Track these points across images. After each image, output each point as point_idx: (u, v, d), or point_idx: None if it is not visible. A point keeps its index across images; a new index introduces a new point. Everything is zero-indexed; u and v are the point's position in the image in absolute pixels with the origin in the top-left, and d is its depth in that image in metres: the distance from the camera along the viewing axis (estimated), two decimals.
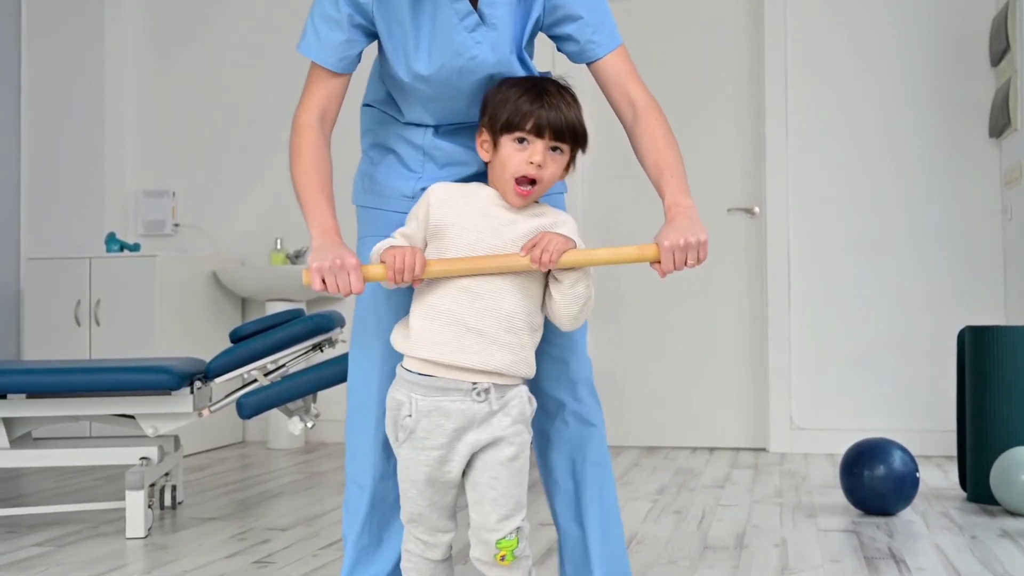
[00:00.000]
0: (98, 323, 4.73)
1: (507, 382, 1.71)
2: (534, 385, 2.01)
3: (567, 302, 1.73)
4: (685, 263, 1.73)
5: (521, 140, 1.71)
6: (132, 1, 5.46)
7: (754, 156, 4.87)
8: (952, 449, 4.45)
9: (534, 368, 1.76)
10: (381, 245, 1.73)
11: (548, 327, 1.92)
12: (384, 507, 1.99)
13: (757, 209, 4.85)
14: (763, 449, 4.78)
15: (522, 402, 1.74)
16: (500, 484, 1.71)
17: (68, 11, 5.32)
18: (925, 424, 4.56)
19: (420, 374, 1.70)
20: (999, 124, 4.31)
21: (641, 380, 4.96)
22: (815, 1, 4.77)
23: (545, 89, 1.73)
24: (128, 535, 3.01)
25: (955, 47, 4.61)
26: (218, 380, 3.27)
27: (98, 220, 5.26)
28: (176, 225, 5.39)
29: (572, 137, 1.73)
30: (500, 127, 1.72)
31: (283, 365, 3.37)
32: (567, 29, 1.89)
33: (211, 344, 4.90)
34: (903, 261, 4.63)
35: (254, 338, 3.31)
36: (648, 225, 4.77)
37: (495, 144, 1.74)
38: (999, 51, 4.29)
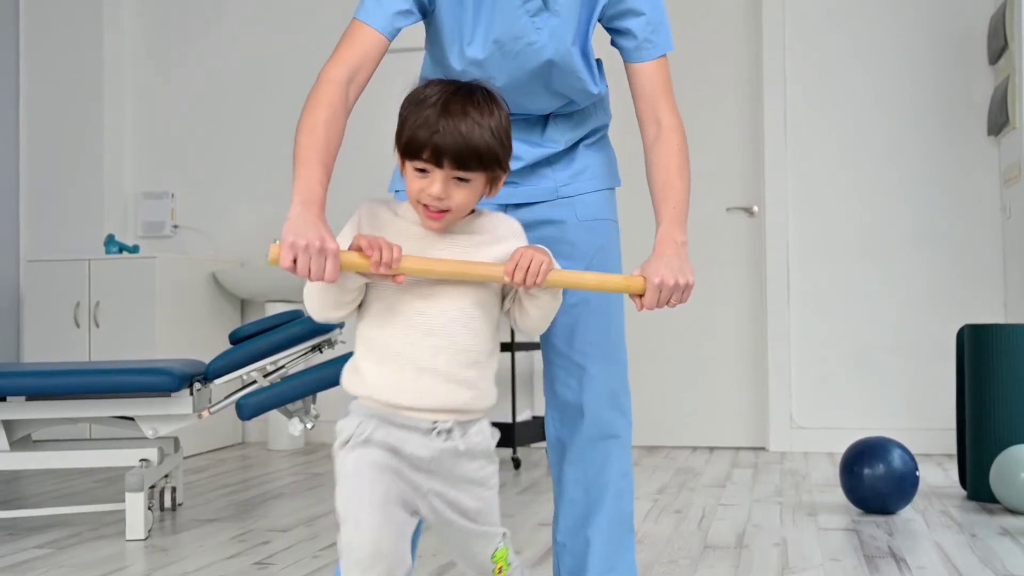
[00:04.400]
0: (97, 325, 4.73)
1: (469, 417, 1.56)
2: (554, 392, 1.95)
3: (542, 314, 1.61)
4: (668, 302, 1.67)
5: (421, 169, 1.50)
6: (130, 3, 5.46)
7: (753, 155, 4.87)
8: (952, 447, 4.45)
9: (495, 396, 1.60)
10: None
11: (568, 329, 1.88)
12: None
13: (756, 208, 4.85)
14: (763, 448, 4.79)
15: (485, 439, 1.59)
16: (479, 534, 1.60)
17: (66, 14, 5.32)
18: (925, 422, 4.56)
19: (377, 405, 1.54)
20: (998, 122, 4.31)
21: (641, 380, 4.96)
22: (813, 0, 4.77)
23: (447, 108, 1.49)
24: (128, 537, 3.01)
25: (953, 45, 4.61)
26: (218, 381, 3.28)
27: (97, 222, 5.26)
28: (175, 226, 5.39)
29: (478, 163, 1.49)
30: (401, 151, 1.52)
31: (283, 366, 3.37)
32: (628, 23, 1.83)
33: (211, 345, 4.90)
34: (902, 259, 4.64)
35: (254, 339, 3.32)
36: (643, 230, 4.77)
37: (403, 165, 1.55)
38: (997, 49, 4.29)
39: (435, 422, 1.53)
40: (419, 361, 1.52)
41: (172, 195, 5.39)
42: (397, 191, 1.94)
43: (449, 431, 1.53)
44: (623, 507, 1.97)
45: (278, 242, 1.51)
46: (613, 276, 1.68)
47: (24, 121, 5.36)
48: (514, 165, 1.86)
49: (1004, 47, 4.19)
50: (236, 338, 3.41)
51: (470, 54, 1.77)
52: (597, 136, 2.00)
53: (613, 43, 1.89)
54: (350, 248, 1.49)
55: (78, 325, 4.76)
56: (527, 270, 1.51)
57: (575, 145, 1.96)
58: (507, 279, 1.52)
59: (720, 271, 4.88)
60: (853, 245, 4.69)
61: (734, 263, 4.88)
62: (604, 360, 1.93)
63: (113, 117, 5.35)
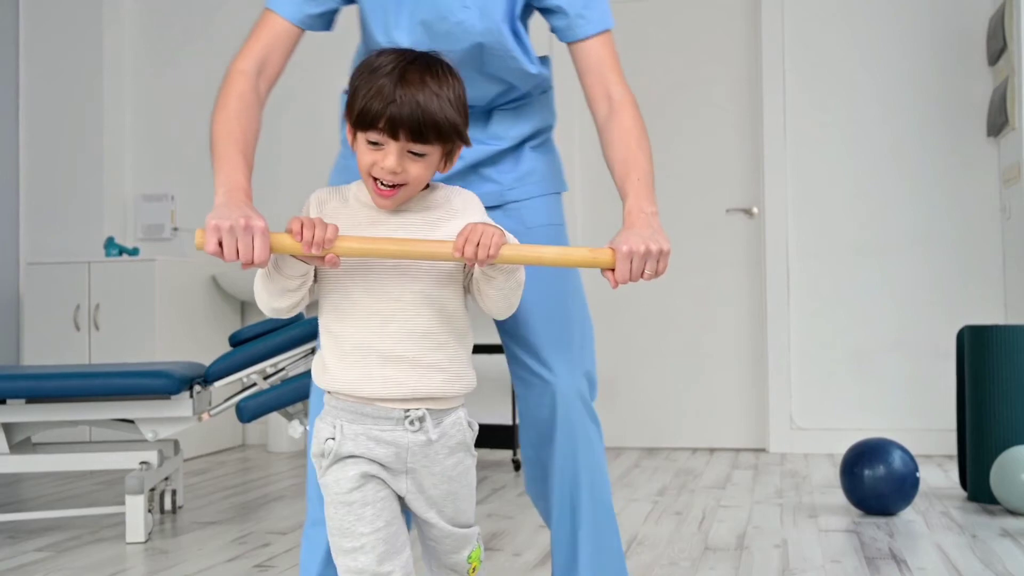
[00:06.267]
0: (97, 328, 4.73)
1: (443, 406, 1.50)
2: (525, 404, 1.86)
3: (504, 295, 1.51)
4: (642, 274, 1.52)
5: (374, 142, 1.42)
6: (130, 5, 5.46)
7: (752, 156, 4.87)
8: (952, 448, 4.45)
9: (473, 381, 1.53)
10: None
11: (529, 340, 1.78)
12: None
13: (756, 209, 4.85)
14: (763, 449, 4.78)
15: (461, 430, 1.52)
16: (459, 537, 1.56)
17: (66, 15, 5.32)
18: (925, 423, 4.56)
19: (349, 399, 1.48)
20: (997, 123, 4.31)
21: (641, 381, 4.96)
22: (812, 0, 4.77)
23: (403, 76, 1.41)
24: (128, 540, 3.01)
25: (953, 46, 4.61)
26: (218, 384, 3.28)
27: (97, 224, 5.26)
28: (175, 229, 5.38)
29: (436, 136, 1.42)
30: (353, 123, 1.44)
31: (282, 368, 3.37)
32: (556, 0, 1.74)
33: (211, 348, 4.90)
34: (902, 260, 4.64)
35: (253, 342, 3.32)
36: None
37: (355, 137, 1.46)
38: (996, 50, 4.29)
39: (407, 411, 1.46)
40: (382, 350, 1.45)
41: (172, 197, 5.39)
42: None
43: (421, 419, 1.47)
44: (609, 516, 1.88)
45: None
46: (577, 249, 1.51)
47: (24, 124, 5.36)
48: (457, 166, 1.78)
49: (1003, 48, 4.19)
50: (236, 340, 3.41)
51: (397, 39, 1.69)
52: (542, 138, 1.90)
53: (551, 27, 1.80)
54: (288, 229, 1.40)
55: (78, 328, 4.76)
56: (477, 245, 1.40)
57: (520, 146, 1.86)
58: (456, 255, 1.41)
59: (720, 272, 4.88)
60: (852, 245, 4.69)
61: (734, 264, 4.88)
62: (570, 365, 1.83)
63: (113, 119, 5.35)
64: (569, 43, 1.77)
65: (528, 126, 1.86)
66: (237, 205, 1.43)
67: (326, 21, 1.75)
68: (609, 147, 1.71)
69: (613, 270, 1.52)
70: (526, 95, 1.85)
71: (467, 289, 1.54)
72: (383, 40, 1.71)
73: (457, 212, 1.52)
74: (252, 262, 1.39)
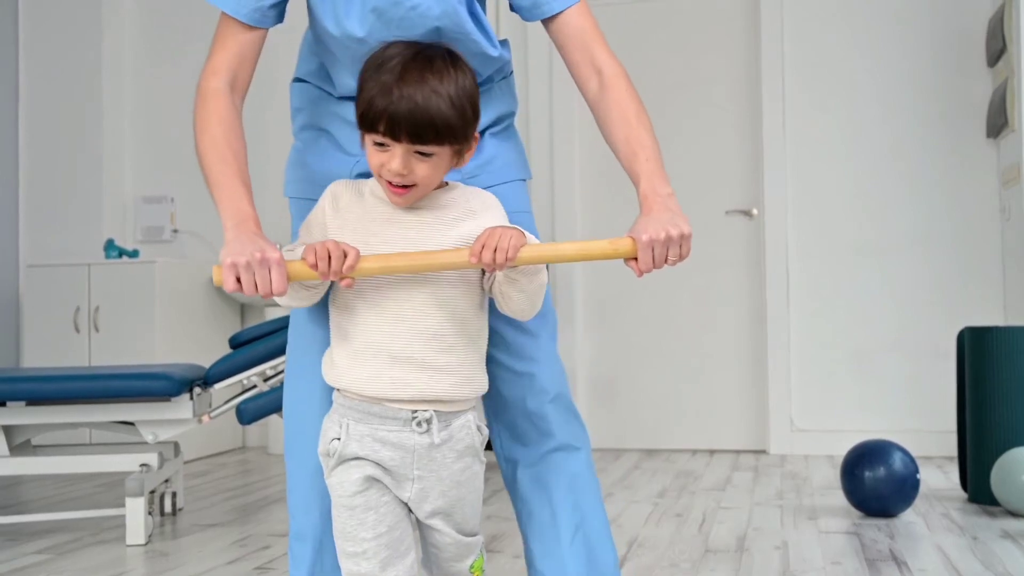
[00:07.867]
0: (97, 330, 4.73)
1: (451, 408, 1.48)
2: (499, 406, 1.77)
3: (527, 296, 1.49)
4: (666, 260, 1.48)
5: (379, 143, 1.42)
6: (130, 6, 5.46)
7: (752, 157, 4.87)
8: (952, 450, 4.45)
9: (484, 384, 1.52)
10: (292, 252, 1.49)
11: (505, 339, 1.70)
12: (333, 549, 1.63)
13: (755, 210, 4.85)
14: (763, 451, 4.78)
15: (470, 434, 1.51)
16: (463, 545, 1.54)
17: (66, 16, 5.32)
18: (925, 425, 4.55)
19: (356, 397, 1.48)
20: (996, 124, 4.31)
21: (641, 382, 4.96)
22: (812, 0, 4.77)
23: (402, 75, 1.39)
24: (128, 542, 3.01)
25: (953, 46, 4.61)
26: (218, 386, 3.28)
27: (97, 226, 5.26)
28: (175, 231, 5.38)
29: (436, 137, 1.40)
30: (359, 124, 1.44)
31: (282, 370, 3.37)
32: None
33: (211, 350, 4.90)
34: (902, 261, 4.64)
35: (253, 344, 3.31)
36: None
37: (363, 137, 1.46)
38: (996, 51, 4.29)
39: (415, 412, 1.46)
40: (392, 350, 1.45)
41: (172, 199, 5.39)
42: (291, 197, 1.79)
43: (428, 421, 1.46)
44: (597, 522, 1.78)
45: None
46: (597, 243, 1.48)
47: (23, 125, 5.36)
48: None
49: (1003, 49, 4.19)
50: (236, 342, 3.41)
51: (349, 28, 1.62)
52: (504, 124, 1.81)
53: (514, 9, 1.71)
54: (302, 259, 1.42)
55: (78, 330, 4.75)
56: (495, 250, 1.39)
57: (480, 133, 1.76)
58: (474, 262, 1.40)
59: (720, 272, 4.88)
60: (852, 247, 4.69)
61: (733, 264, 4.88)
62: (544, 361, 1.74)
63: (112, 119, 5.36)
64: (543, 21, 1.69)
65: (490, 114, 1.79)
66: (249, 238, 1.43)
67: (279, 12, 1.70)
68: (607, 124, 1.64)
69: (636, 259, 1.48)
70: (487, 80, 1.78)
71: (488, 291, 1.52)
72: (334, 30, 1.64)
73: (475, 213, 1.51)
74: (271, 294, 1.41)
